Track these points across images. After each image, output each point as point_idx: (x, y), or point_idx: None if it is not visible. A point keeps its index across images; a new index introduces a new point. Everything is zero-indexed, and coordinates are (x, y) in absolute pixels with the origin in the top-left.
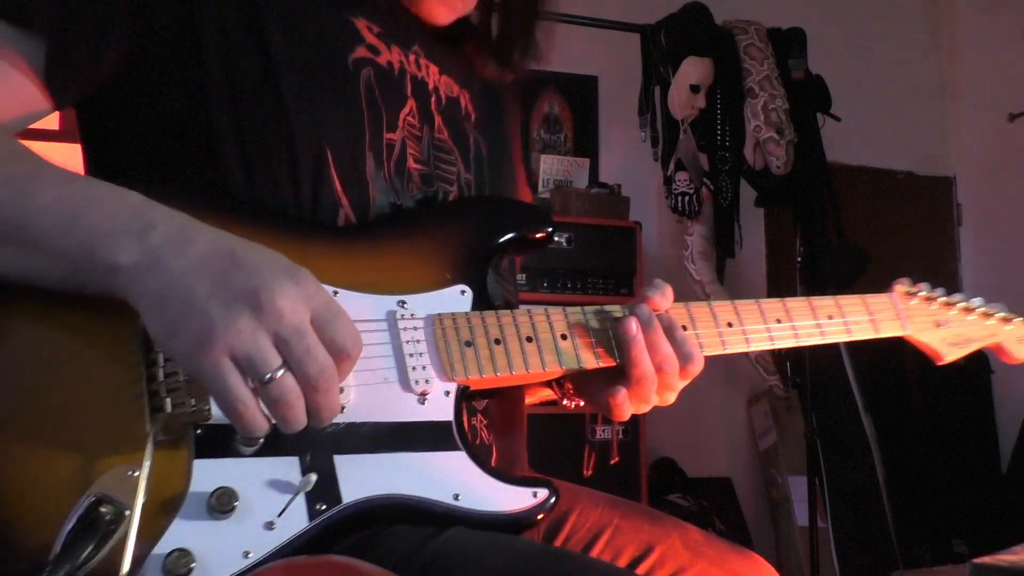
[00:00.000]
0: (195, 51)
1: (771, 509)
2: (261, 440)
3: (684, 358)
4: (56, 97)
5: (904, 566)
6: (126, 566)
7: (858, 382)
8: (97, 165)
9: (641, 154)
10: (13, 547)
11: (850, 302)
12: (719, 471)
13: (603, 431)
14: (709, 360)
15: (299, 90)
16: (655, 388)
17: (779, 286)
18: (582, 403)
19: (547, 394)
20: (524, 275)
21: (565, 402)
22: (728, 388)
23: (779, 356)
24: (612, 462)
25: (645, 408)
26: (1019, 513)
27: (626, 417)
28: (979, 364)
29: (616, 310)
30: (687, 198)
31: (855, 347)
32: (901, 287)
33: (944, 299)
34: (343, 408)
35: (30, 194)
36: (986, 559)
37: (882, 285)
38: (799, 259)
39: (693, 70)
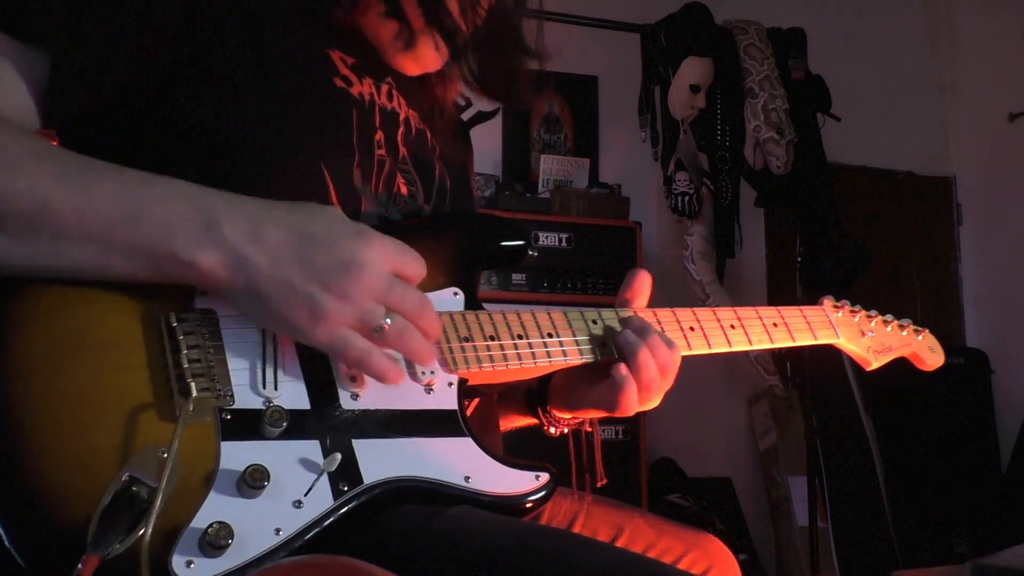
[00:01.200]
0: (200, 67)
1: (771, 509)
2: (285, 424)
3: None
4: (49, 116)
5: (904, 566)
6: (146, 535)
7: (858, 382)
8: None
9: (641, 154)
10: (54, 521)
11: (790, 313)
12: (719, 471)
13: (602, 431)
14: (709, 360)
15: (297, 107)
16: (659, 388)
17: (779, 286)
18: (566, 430)
19: (526, 421)
20: (524, 275)
21: (552, 430)
22: (728, 388)
23: (779, 356)
24: (599, 484)
25: (646, 407)
26: (1019, 513)
27: (632, 412)
28: (979, 364)
29: (598, 314)
30: (687, 198)
31: None
32: (829, 301)
33: (864, 312)
34: (358, 396)
35: (89, 185)
36: (986, 559)
37: (882, 285)
38: (799, 259)
39: (693, 70)
